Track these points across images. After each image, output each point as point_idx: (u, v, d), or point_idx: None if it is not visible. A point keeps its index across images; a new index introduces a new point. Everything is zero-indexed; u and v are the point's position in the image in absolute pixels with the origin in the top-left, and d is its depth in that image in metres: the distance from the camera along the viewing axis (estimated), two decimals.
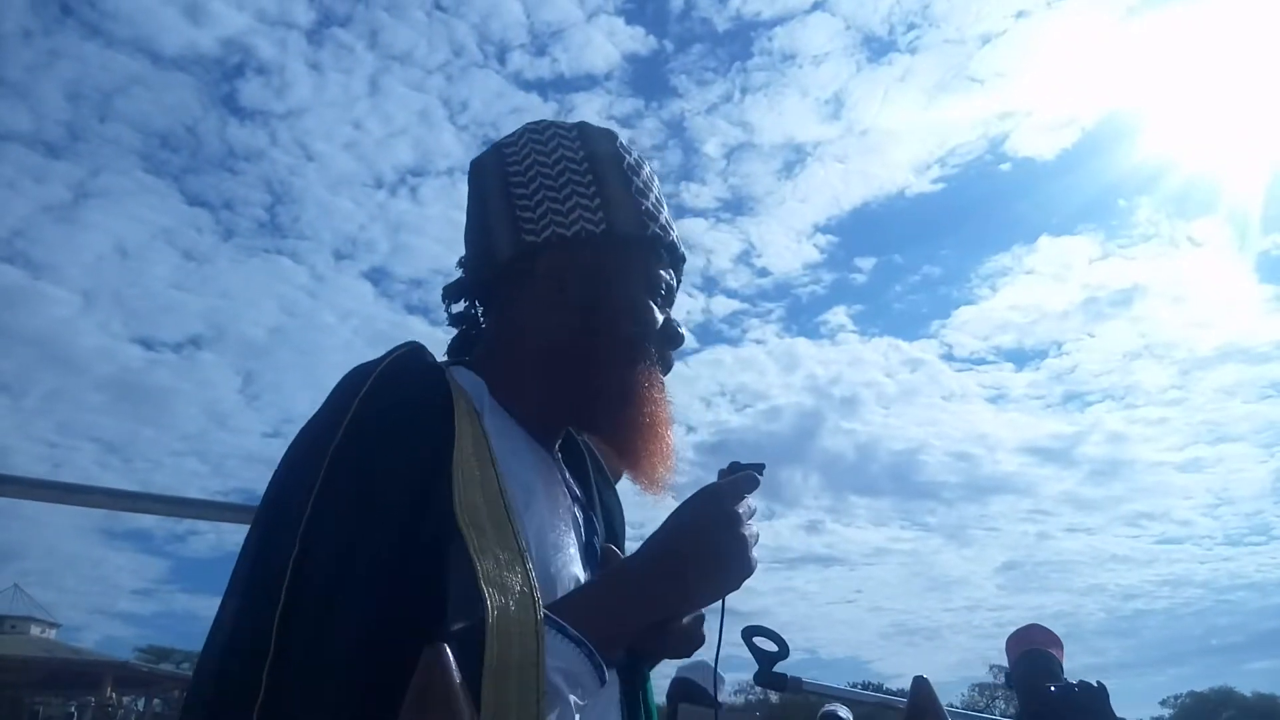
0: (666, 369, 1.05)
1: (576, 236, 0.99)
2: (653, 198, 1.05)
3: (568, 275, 1.00)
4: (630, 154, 1.06)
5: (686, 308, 1.09)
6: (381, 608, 0.73)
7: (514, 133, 1.08)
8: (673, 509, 0.92)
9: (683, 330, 1.07)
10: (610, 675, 0.88)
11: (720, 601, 0.94)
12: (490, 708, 0.67)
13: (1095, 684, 3.01)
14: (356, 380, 0.87)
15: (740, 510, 0.89)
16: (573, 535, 0.97)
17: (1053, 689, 3.02)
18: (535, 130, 1.06)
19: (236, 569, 0.82)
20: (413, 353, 0.93)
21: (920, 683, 0.68)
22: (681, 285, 1.11)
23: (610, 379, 0.99)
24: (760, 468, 0.95)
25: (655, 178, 1.08)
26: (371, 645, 0.71)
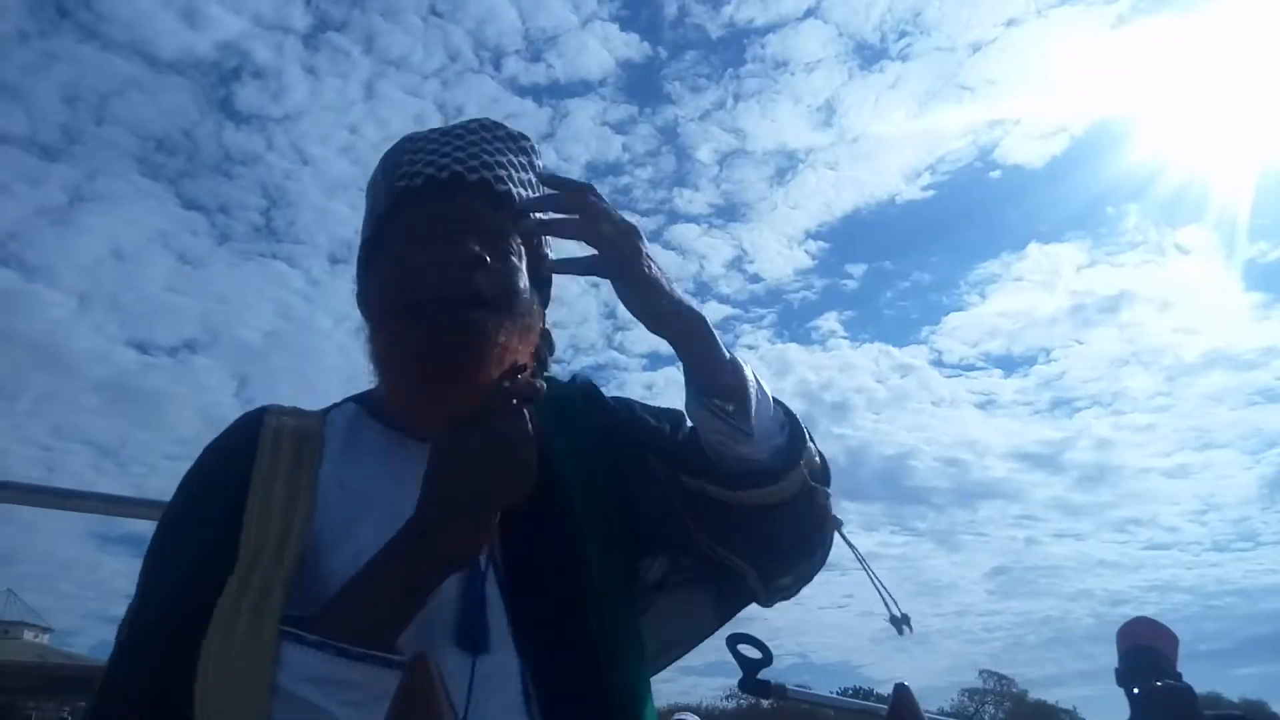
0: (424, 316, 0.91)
1: (364, 245, 1.02)
2: (419, 151, 0.99)
3: (369, 286, 1.00)
4: (410, 143, 1.01)
5: None
6: (159, 659, 0.80)
7: None
8: None
9: (479, 249, 0.94)
10: (499, 662, 0.85)
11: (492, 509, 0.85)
12: None
13: (1181, 686, 2.96)
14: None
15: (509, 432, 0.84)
16: None
17: (1137, 691, 2.97)
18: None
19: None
20: (244, 414, 1.02)
21: (901, 690, 0.69)
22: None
23: (377, 362, 0.97)
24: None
25: (442, 130, 1.01)
26: (135, 667, 0.83)
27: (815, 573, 1.04)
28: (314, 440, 0.96)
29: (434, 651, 0.66)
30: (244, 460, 0.93)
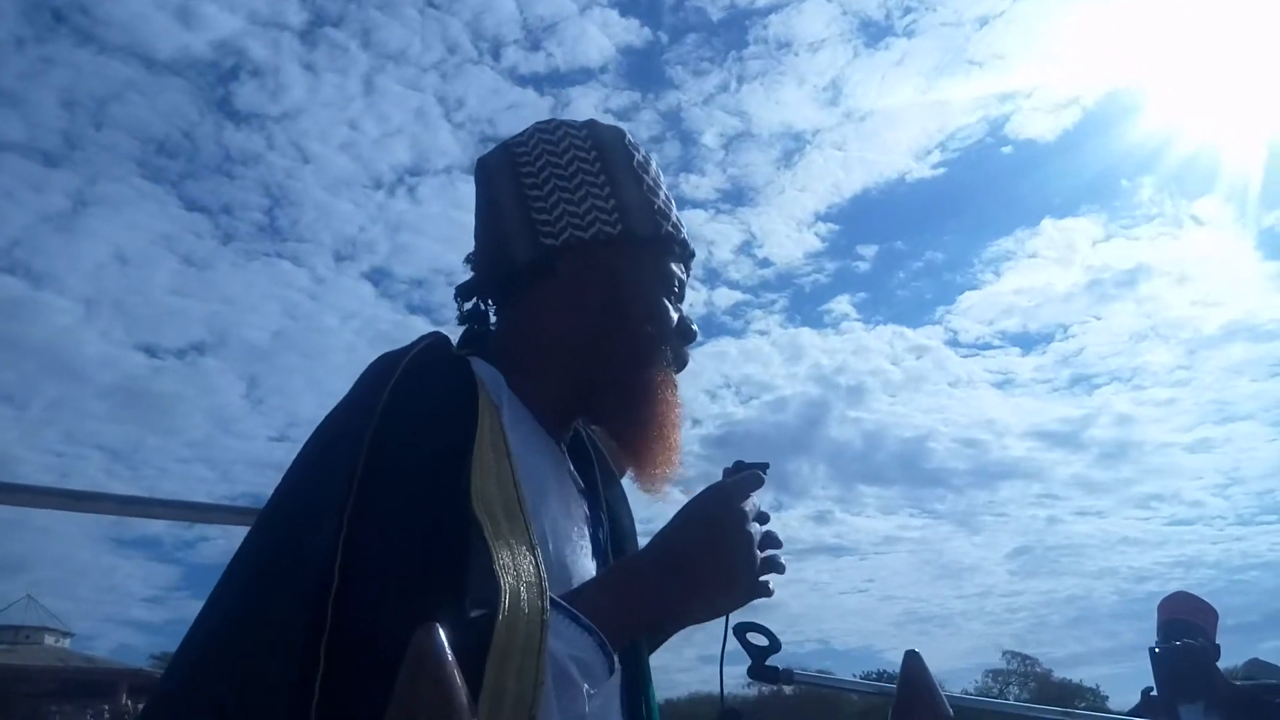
0: (681, 366, 1.07)
1: (595, 239, 1.01)
2: (662, 195, 1.07)
3: (586, 277, 1.01)
4: (639, 152, 1.07)
5: (689, 300, 1.11)
6: (428, 592, 0.73)
7: (523, 133, 1.08)
8: (679, 506, 0.94)
9: (695, 327, 1.08)
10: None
11: (722, 609, 0.96)
12: (490, 689, 0.68)
13: (1199, 645, 3.02)
14: (385, 369, 0.88)
15: (746, 508, 0.91)
16: (583, 528, 0.99)
17: (1156, 650, 3.03)
18: (545, 130, 1.06)
19: (253, 553, 0.82)
20: (438, 343, 0.95)
21: (911, 657, 0.69)
22: (689, 279, 1.12)
23: (627, 378, 1.02)
24: (765, 467, 0.97)
25: (661, 174, 1.09)
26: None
27: None
28: (490, 400, 0.91)
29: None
30: (470, 409, 0.86)
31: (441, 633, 0.42)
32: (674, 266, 1.07)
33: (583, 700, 0.78)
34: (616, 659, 0.82)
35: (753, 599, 0.94)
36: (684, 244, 1.09)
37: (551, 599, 0.78)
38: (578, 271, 1.01)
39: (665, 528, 0.92)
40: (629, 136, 1.08)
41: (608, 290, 1.02)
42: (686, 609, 0.93)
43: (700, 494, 0.94)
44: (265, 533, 0.83)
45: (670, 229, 1.06)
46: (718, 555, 0.89)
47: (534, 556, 0.79)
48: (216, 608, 0.79)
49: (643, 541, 1.06)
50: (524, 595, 0.75)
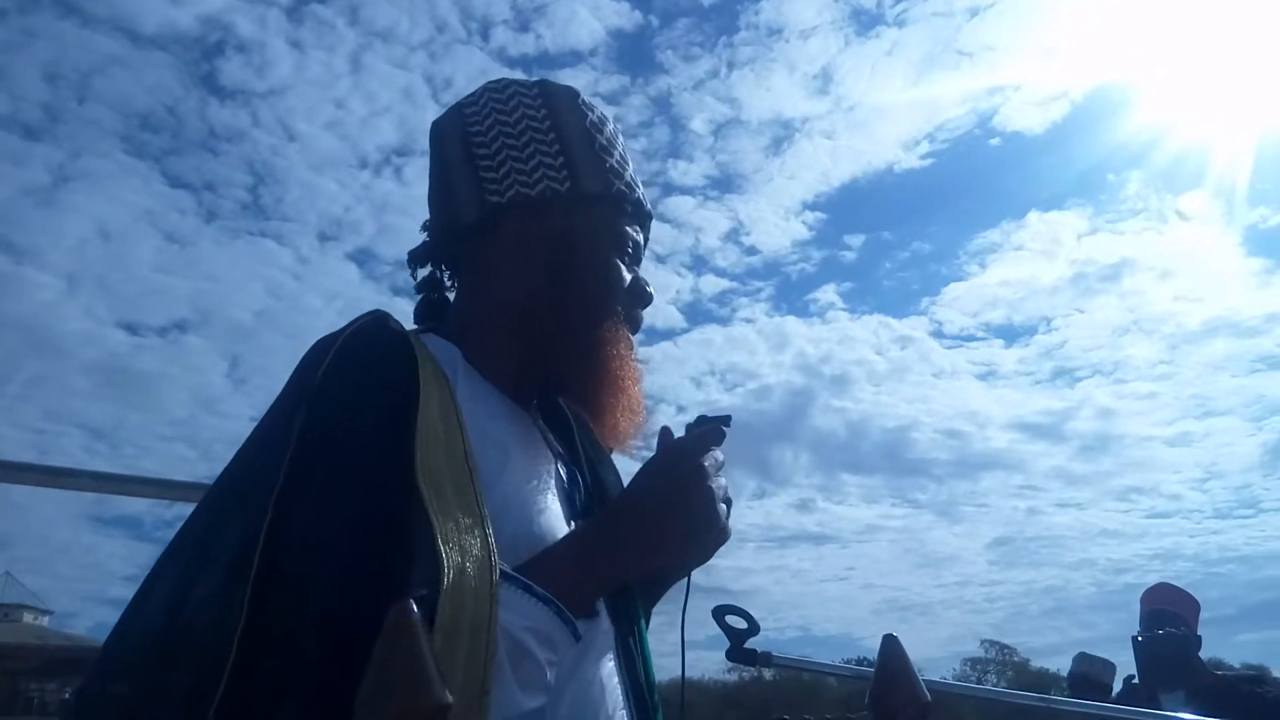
0: (635, 327, 1.06)
1: (541, 196, 0.99)
2: (616, 155, 1.05)
3: (533, 236, 1.00)
4: (593, 111, 1.06)
5: (675, 287, 1.11)
6: (356, 576, 0.72)
7: (474, 92, 1.07)
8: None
9: (650, 289, 1.07)
10: (602, 624, 0.91)
11: (689, 567, 0.97)
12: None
13: (1180, 633, 3.07)
14: (319, 354, 0.86)
15: (707, 463, 0.91)
16: (555, 493, 0.97)
17: (1139, 638, 3.07)
18: (495, 89, 1.05)
19: (183, 539, 0.80)
20: (375, 321, 0.92)
21: (889, 641, 0.69)
22: (649, 243, 1.11)
23: (577, 337, 1.00)
24: (726, 419, 0.96)
25: (620, 135, 1.08)
26: (346, 613, 0.69)
27: None
28: (441, 373, 0.90)
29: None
30: (407, 384, 0.84)
31: (415, 608, 0.42)
32: (628, 228, 1.05)
33: (543, 671, 0.78)
34: (581, 624, 0.82)
35: (719, 547, 0.94)
36: (638, 204, 1.06)
37: (503, 571, 0.77)
38: (524, 229, 1.00)
39: (627, 487, 0.93)
40: (583, 96, 1.06)
41: (555, 248, 1.00)
42: (652, 564, 0.94)
43: (660, 450, 0.95)
44: (193, 522, 0.81)
45: (623, 188, 1.03)
46: (679, 510, 0.89)
47: (483, 530, 0.78)
48: (140, 600, 0.77)
49: None
50: (470, 570, 0.74)
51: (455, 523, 0.76)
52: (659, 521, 0.89)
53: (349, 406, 0.82)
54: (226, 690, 0.66)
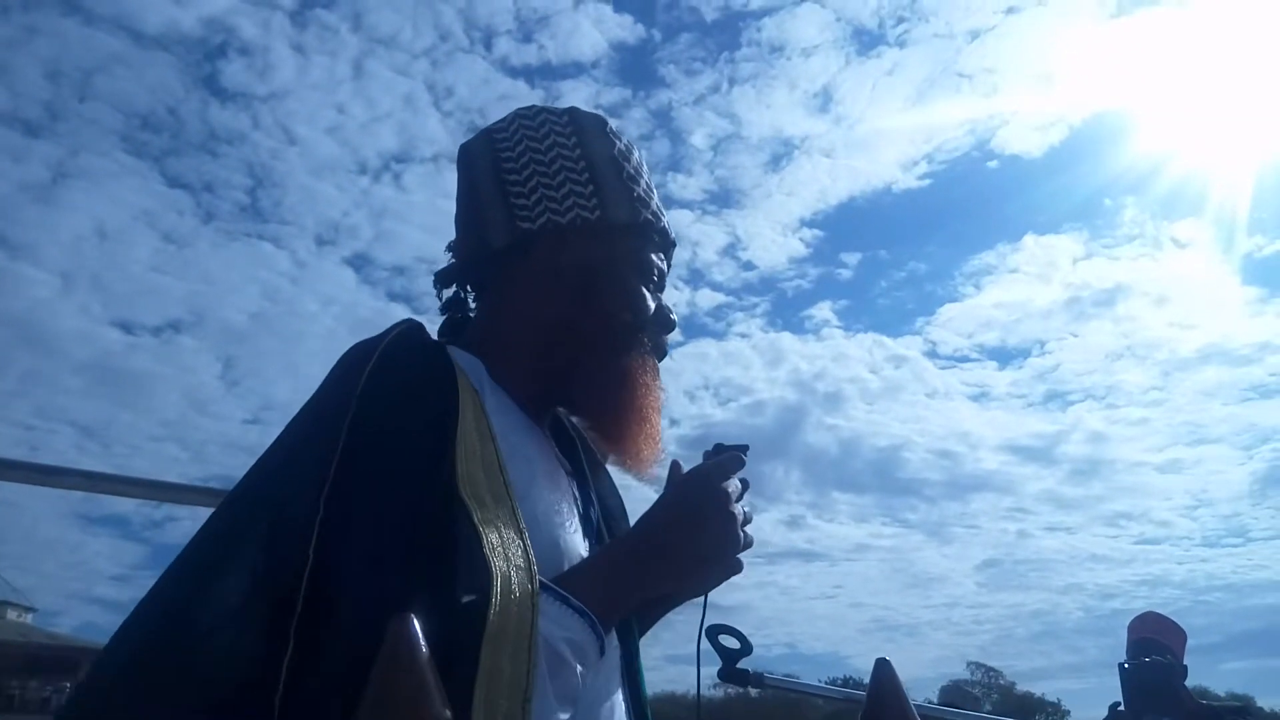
0: (661, 355, 1.07)
1: (572, 224, 1.01)
2: (643, 184, 1.07)
3: (563, 262, 1.02)
4: (620, 140, 1.07)
5: (671, 300, 1.11)
6: (408, 584, 0.72)
7: (504, 119, 1.08)
8: (661, 492, 0.96)
9: (674, 316, 1.08)
10: (612, 644, 0.92)
11: (707, 587, 0.98)
12: (485, 673, 0.69)
13: (1167, 661, 3.08)
14: (361, 356, 0.87)
15: (729, 489, 0.93)
16: (573, 509, 0.99)
17: (1126, 665, 3.08)
18: (526, 116, 1.07)
19: (222, 531, 0.79)
20: (413, 330, 0.94)
21: (882, 665, 0.69)
22: (671, 271, 1.12)
23: (604, 364, 1.01)
24: (744, 449, 0.99)
25: (644, 164, 1.10)
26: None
27: None
28: (470, 385, 0.91)
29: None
30: (449, 394, 0.86)
31: (416, 623, 0.42)
32: (653, 255, 1.07)
33: (577, 681, 0.79)
34: (608, 640, 0.84)
35: (735, 574, 0.95)
36: (664, 233, 1.09)
37: (541, 582, 0.78)
38: (554, 256, 1.02)
39: (650, 511, 0.93)
40: (610, 125, 1.08)
41: (583, 276, 1.02)
42: (674, 587, 0.96)
43: (683, 477, 0.96)
44: (233, 512, 0.80)
45: (649, 217, 1.06)
46: (701, 537, 0.91)
47: (522, 540, 0.79)
48: (174, 580, 0.76)
49: (633, 520, 1.06)
50: (515, 579, 0.75)
51: (498, 533, 0.77)
52: (683, 545, 0.91)
53: (395, 412, 0.82)
54: (287, 678, 0.67)
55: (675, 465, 1.02)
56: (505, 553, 0.76)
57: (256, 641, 0.70)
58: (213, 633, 0.70)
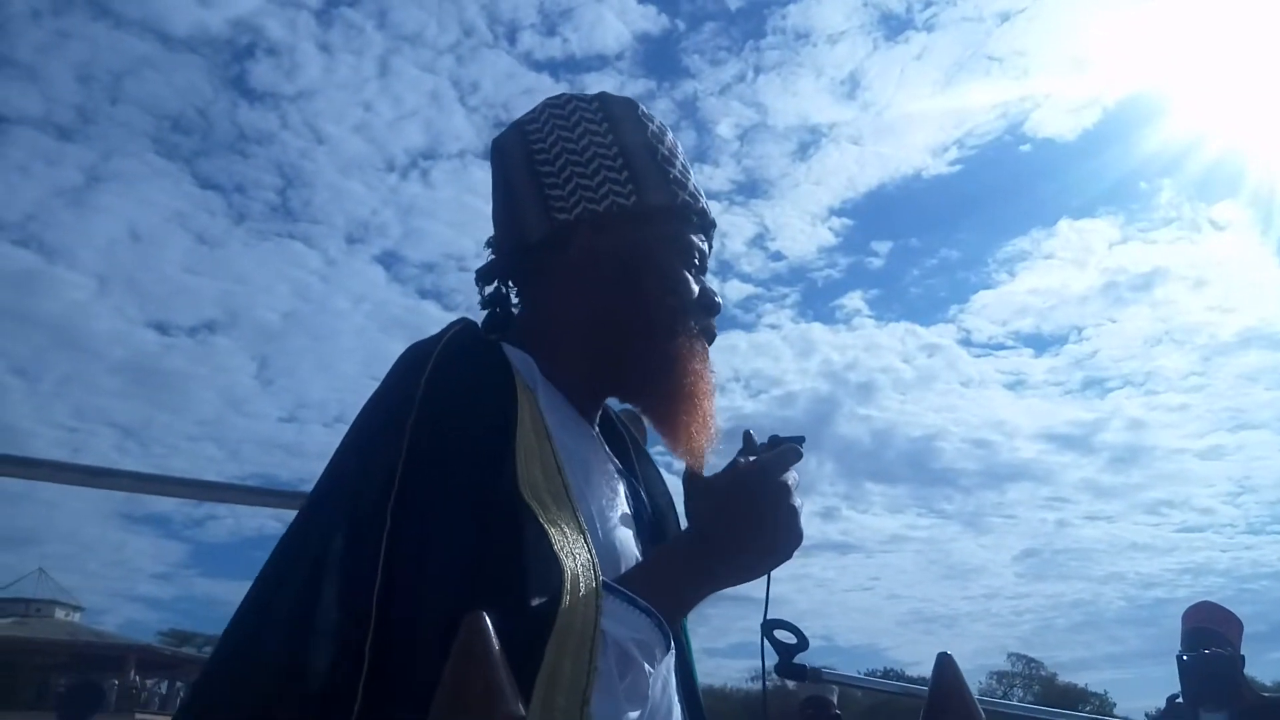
0: (710, 338, 1.05)
1: (608, 211, 1.00)
2: (679, 165, 1.05)
3: (602, 251, 1.00)
4: (652, 122, 1.06)
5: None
6: (479, 587, 0.73)
7: (534, 109, 1.08)
8: (719, 486, 0.95)
9: (719, 298, 1.06)
10: None
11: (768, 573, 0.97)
12: (547, 672, 0.69)
13: (1227, 654, 3.04)
14: (420, 357, 0.88)
15: (789, 482, 0.92)
16: (626, 508, 0.99)
17: (1185, 658, 3.05)
18: (556, 105, 1.06)
19: (293, 549, 0.80)
20: (469, 329, 0.94)
21: (944, 660, 0.67)
22: (713, 251, 1.11)
23: (652, 350, 1.00)
24: (801, 439, 0.97)
25: (679, 144, 1.08)
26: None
27: None
28: (525, 384, 0.92)
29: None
30: (507, 394, 0.87)
31: (489, 620, 0.42)
32: (694, 237, 1.05)
33: (646, 680, 0.80)
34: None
35: (787, 559, 0.95)
36: (703, 213, 1.07)
37: (605, 582, 0.79)
38: (593, 245, 1.00)
39: (709, 506, 0.93)
40: (642, 107, 1.07)
41: (623, 263, 1.00)
42: (738, 581, 0.94)
43: (741, 471, 0.95)
44: (307, 526, 0.82)
45: (687, 198, 1.04)
46: (765, 533, 0.90)
47: (586, 541, 0.80)
48: (261, 598, 0.78)
49: (680, 518, 1.06)
50: (582, 578, 0.76)
51: (562, 533, 0.78)
52: (747, 542, 0.90)
53: (457, 415, 0.83)
54: (364, 700, 0.69)
55: (748, 436, 1.00)
56: (573, 551, 0.77)
57: (334, 661, 0.71)
58: (292, 655, 0.72)
